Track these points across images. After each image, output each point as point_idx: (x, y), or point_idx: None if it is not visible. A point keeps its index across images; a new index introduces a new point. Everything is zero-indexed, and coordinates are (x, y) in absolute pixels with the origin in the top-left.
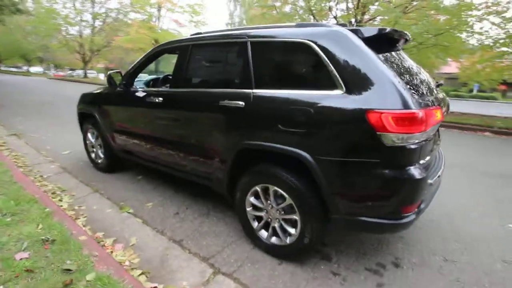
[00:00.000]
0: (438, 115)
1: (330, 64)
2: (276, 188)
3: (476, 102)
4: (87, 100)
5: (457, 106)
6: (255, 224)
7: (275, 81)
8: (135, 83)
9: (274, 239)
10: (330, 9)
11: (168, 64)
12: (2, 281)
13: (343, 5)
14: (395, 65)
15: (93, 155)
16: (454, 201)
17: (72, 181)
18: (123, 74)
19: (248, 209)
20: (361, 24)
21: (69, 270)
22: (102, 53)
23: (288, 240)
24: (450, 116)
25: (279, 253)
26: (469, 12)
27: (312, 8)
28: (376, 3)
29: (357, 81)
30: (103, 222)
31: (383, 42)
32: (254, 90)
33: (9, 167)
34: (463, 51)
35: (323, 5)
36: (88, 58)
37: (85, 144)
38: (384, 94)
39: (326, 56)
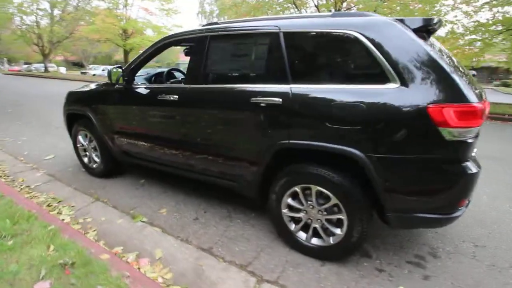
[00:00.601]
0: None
1: (381, 57)
2: (319, 188)
3: None
4: (77, 99)
5: None
6: (292, 226)
7: (317, 75)
8: (135, 79)
9: (315, 240)
10: None
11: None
12: None
13: None
14: (443, 56)
15: (86, 160)
16: None
17: (66, 189)
18: (123, 69)
19: (284, 210)
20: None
21: None
22: (63, 44)
23: (332, 240)
24: None
25: (321, 254)
26: (443, 1)
27: None
28: None
29: (413, 74)
30: (117, 235)
31: (424, 33)
32: (292, 86)
33: None
34: (436, 38)
35: None
36: (47, 51)
37: (76, 148)
38: (444, 88)
39: (376, 48)
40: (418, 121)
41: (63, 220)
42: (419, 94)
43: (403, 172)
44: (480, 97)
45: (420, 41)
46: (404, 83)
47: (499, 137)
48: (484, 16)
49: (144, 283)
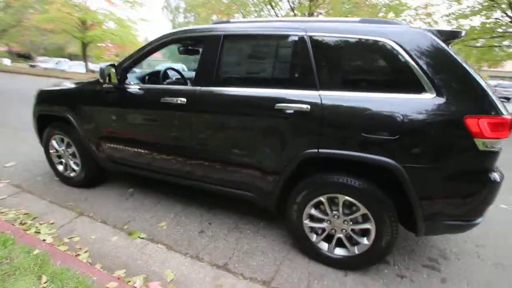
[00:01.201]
0: None
1: (416, 66)
2: (347, 198)
3: None
4: (53, 99)
5: None
6: (314, 237)
7: (348, 83)
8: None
9: (338, 251)
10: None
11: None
12: None
13: None
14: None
15: (60, 168)
16: None
17: (40, 203)
18: (115, 67)
19: (306, 221)
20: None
21: None
22: (9, 34)
23: (357, 250)
24: None
25: (345, 264)
26: (408, 12)
27: None
28: None
29: (448, 85)
30: (115, 256)
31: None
32: (322, 92)
33: None
34: None
35: None
36: None
37: (48, 154)
38: (478, 99)
39: (411, 57)
40: (454, 131)
41: (44, 240)
42: (455, 105)
43: (437, 181)
44: (506, 109)
45: (452, 52)
46: (439, 93)
47: None
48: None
49: None
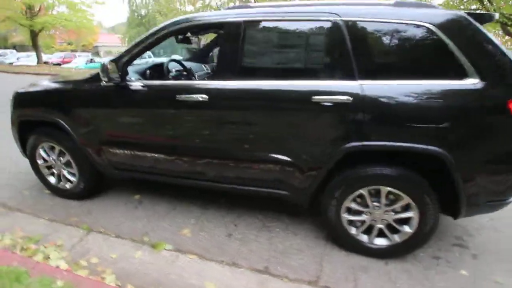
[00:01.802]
0: None
1: (459, 50)
2: (390, 189)
3: None
4: (37, 101)
5: None
6: (353, 230)
7: (389, 70)
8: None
9: (379, 240)
10: None
11: None
12: None
13: None
14: None
15: (52, 179)
16: None
17: (37, 222)
18: (114, 61)
19: (344, 215)
20: None
21: None
22: None
23: (398, 238)
24: None
25: (385, 253)
26: None
27: None
28: None
29: (490, 69)
30: (144, 273)
31: None
32: (362, 82)
33: None
34: None
35: None
36: None
37: (35, 165)
38: None
39: (453, 42)
40: (498, 115)
41: (57, 266)
42: (498, 90)
43: (480, 164)
44: None
45: (491, 36)
46: (482, 78)
47: None
48: None
49: None
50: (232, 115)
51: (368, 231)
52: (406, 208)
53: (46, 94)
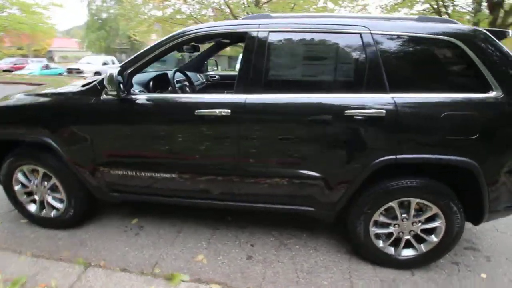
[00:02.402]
0: None
1: (483, 65)
2: (420, 200)
3: None
4: (16, 118)
5: None
6: (380, 243)
7: (417, 83)
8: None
9: (405, 251)
10: None
11: None
12: None
13: None
14: None
15: (33, 207)
16: None
17: (19, 260)
18: (121, 72)
19: (372, 228)
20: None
21: None
22: None
23: (424, 248)
24: None
25: (411, 263)
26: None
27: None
28: None
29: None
30: None
31: None
32: (394, 95)
33: None
34: None
35: None
36: None
37: (11, 193)
38: None
39: (478, 57)
40: None
41: None
42: None
43: (504, 172)
44: None
45: (509, 50)
46: (505, 91)
47: None
48: None
49: None
50: (258, 130)
51: (393, 243)
52: (433, 217)
53: (27, 110)
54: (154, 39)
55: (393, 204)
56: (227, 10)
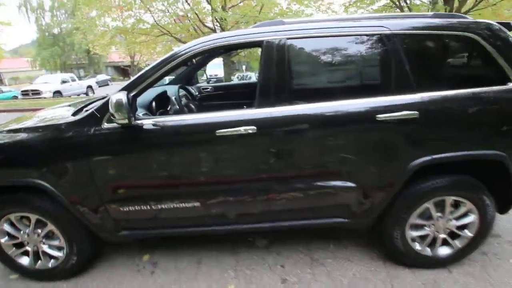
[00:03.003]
0: None
1: (501, 57)
2: (454, 197)
3: None
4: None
5: None
6: (416, 245)
7: (441, 81)
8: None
9: (442, 250)
10: None
11: None
12: None
13: None
14: None
15: (25, 260)
16: None
17: None
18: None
19: (408, 232)
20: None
21: None
22: None
23: (459, 244)
24: None
25: (445, 261)
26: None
27: None
28: None
29: None
30: None
31: None
32: (422, 94)
33: None
34: None
35: None
36: None
37: None
38: None
39: (496, 50)
40: None
41: None
42: None
43: None
44: None
45: None
46: None
47: None
48: None
49: None
50: (286, 145)
51: (429, 243)
52: (466, 213)
53: (9, 149)
54: (114, 51)
55: (429, 204)
56: (193, 16)
